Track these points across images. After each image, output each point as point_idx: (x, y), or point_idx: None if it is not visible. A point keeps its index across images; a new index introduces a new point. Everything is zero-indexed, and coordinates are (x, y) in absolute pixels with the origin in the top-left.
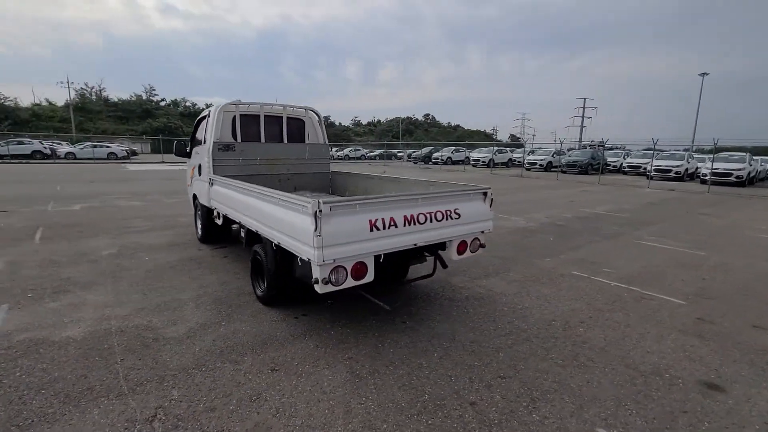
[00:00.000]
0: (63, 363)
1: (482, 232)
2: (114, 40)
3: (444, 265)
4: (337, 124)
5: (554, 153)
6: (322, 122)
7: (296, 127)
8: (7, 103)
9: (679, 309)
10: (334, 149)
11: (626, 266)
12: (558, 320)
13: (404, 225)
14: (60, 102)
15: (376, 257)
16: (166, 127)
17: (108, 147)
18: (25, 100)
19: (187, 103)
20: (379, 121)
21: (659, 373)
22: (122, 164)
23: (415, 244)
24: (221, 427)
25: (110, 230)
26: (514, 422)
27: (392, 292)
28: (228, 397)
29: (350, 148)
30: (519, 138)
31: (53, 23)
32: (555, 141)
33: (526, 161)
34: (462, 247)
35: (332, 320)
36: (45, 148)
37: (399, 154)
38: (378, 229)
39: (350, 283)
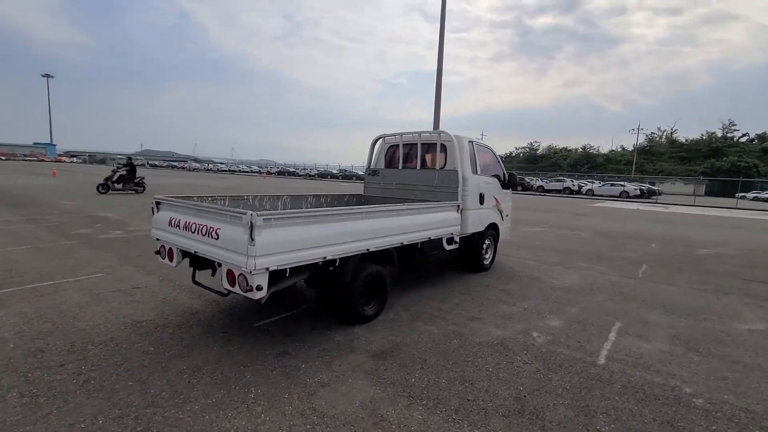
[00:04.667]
0: None
1: (242, 269)
2: (731, 76)
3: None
4: None
5: None
6: (458, 146)
7: (431, 153)
8: (590, 151)
9: None
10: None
11: None
12: None
13: (182, 229)
14: (631, 147)
15: (182, 250)
16: (733, 166)
17: (622, 186)
18: (606, 148)
19: None
20: None
21: None
22: (601, 201)
23: (192, 251)
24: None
25: None
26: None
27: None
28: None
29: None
30: None
31: (672, 76)
32: None
33: None
34: (230, 277)
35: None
36: (573, 184)
37: None
38: (172, 226)
39: (167, 261)
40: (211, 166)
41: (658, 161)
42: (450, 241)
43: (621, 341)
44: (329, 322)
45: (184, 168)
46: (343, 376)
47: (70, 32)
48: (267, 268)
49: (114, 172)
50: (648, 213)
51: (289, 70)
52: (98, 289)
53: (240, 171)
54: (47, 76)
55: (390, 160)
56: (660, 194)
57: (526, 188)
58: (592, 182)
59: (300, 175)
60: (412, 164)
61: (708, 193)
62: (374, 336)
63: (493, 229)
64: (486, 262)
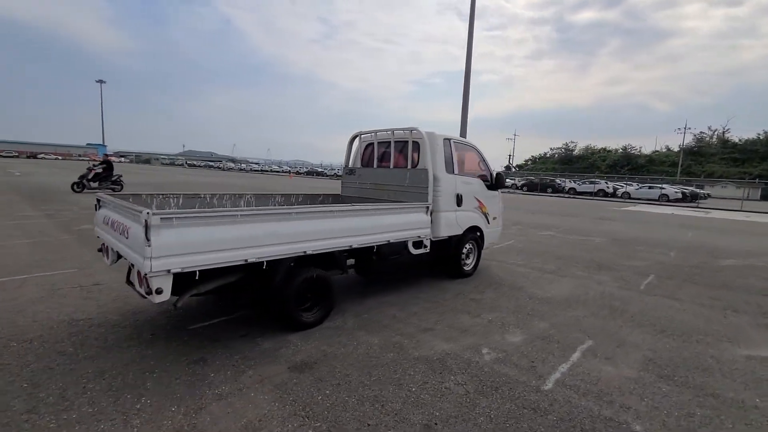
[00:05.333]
0: None
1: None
2: None
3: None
4: None
5: None
6: (429, 143)
7: (404, 152)
8: (631, 151)
9: None
10: None
11: None
12: None
13: (109, 227)
14: (677, 148)
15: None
16: None
17: (661, 188)
18: (649, 148)
19: None
20: None
21: None
22: (635, 204)
23: (114, 249)
24: None
25: None
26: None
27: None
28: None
29: None
30: None
31: (728, 71)
32: None
33: None
34: (139, 278)
35: None
36: (608, 187)
37: None
38: (104, 223)
39: (105, 259)
40: (244, 165)
41: (708, 163)
42: (418, 244)
43: (582, 363)
44: (266, 327)
45: (219, 168)
46: (248, 388)
47: (122, 39)
48: (168, 271)
49: (89, 170)
50: (682, 218)
51: (325, 73)
52: (61, 285)
53: (271, 171)
54: (101, 81)
55: (366, 159)
56: (706, 198)
57: (557, 190)
58: (629, 184)
59: (327, 175)
60: (386, 163)
61: (764, 198)
62: (306, 345)
63: (475, 233)
64: (467, 268)
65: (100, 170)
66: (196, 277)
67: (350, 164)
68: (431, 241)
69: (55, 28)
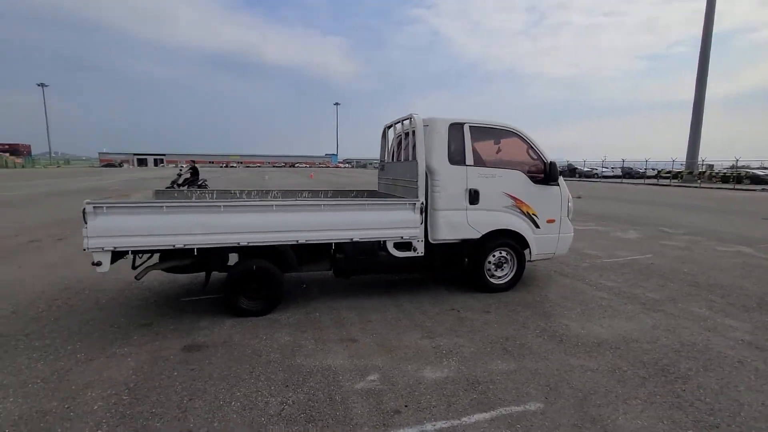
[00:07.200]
0: None
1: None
2: None
3: None
4: None
5: None
6: (422, 131)
7: (414, 142)
8: None
9: None
10: None
11: None
12: None
13: None
14: None
15: None
16: None
17: None
18: None
19: None
20: None
21: None
22: None
23: None
24: None
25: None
26: None
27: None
28: None
29: None
30: None
31: None
32: None
33: None
34: None
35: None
36: None
37: None
38: None
39: None
40: None
41: None
42: (403, 246)
43: (473, 429)
44: (225, 311)
45: None
46: (132, 356)
47: (354, 65)
48: (102, 248)
49: (179, 175)
50: None
51: (530, 64)
52: None
53: None
54: (336, 104)
55: (393, 152)
56: None
57: None
58: None
59: None
60: (401, 155)
61: None
62: (229, 330)
63: (509, 239)
64: (496, 281)
65: (189, 175)
66: (129, 254)
67: (384, 158)
68: (432, 245)
69: (305, 65)
